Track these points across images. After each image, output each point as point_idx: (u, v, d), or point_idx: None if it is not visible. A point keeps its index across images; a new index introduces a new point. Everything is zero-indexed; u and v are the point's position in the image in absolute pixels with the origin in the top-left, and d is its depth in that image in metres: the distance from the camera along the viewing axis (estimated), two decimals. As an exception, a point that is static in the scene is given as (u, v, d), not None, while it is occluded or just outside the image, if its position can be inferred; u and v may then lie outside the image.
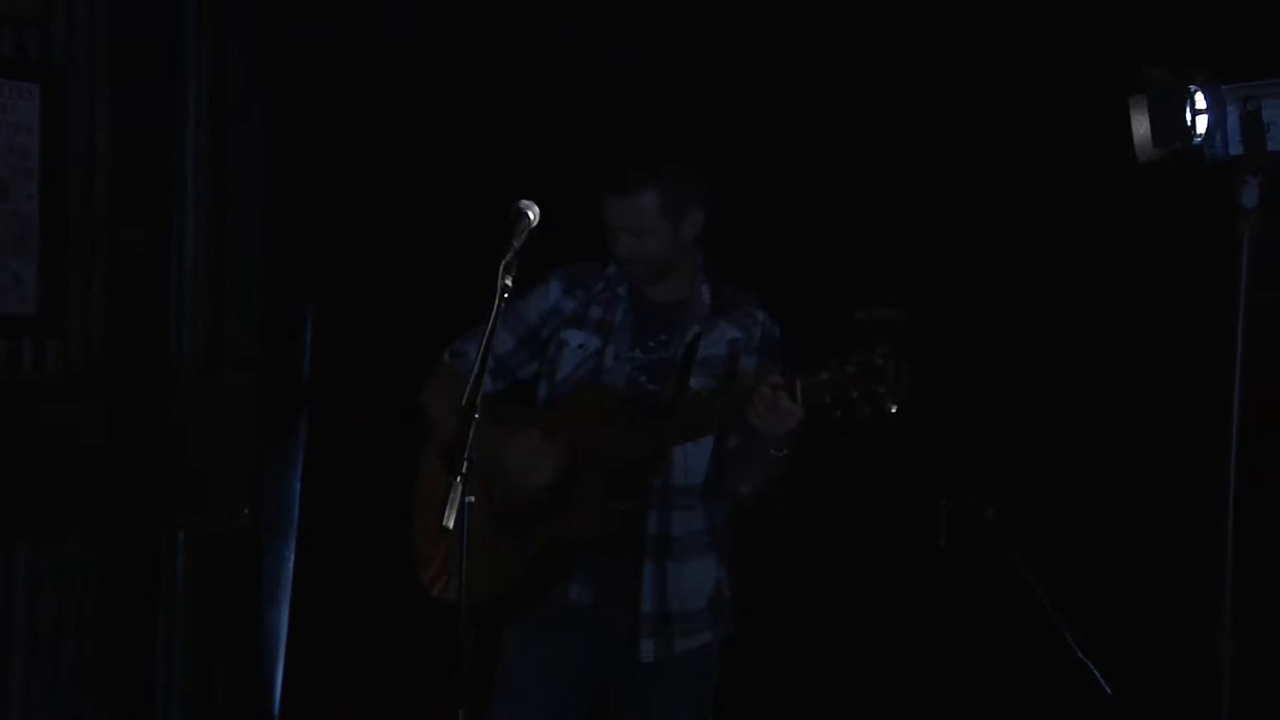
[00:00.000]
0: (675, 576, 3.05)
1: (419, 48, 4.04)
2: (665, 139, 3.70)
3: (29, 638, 3.89)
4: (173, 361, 4.12)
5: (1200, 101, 2.38)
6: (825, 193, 3.71)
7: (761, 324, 3.17)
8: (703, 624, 3.11)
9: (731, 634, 3.17)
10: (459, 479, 2.47)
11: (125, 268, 4.05)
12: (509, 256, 2.71)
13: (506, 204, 2.89)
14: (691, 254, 3.14)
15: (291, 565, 4.17)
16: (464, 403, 2.54)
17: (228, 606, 4.18)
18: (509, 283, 2.68)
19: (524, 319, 3.21)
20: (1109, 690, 3.04)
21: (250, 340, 4.23)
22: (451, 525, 2.44)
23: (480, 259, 3.18)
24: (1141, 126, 2.44)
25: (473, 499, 2.54)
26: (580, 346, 3.14)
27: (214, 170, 4.16)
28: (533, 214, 2.79)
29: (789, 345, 3.16)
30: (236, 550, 4.17)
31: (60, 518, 3.92)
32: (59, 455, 3.88)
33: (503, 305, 2.66)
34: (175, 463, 4.03)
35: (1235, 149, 2.38)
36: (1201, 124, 2.39)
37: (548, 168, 3.73)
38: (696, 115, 3.76)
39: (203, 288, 4.16)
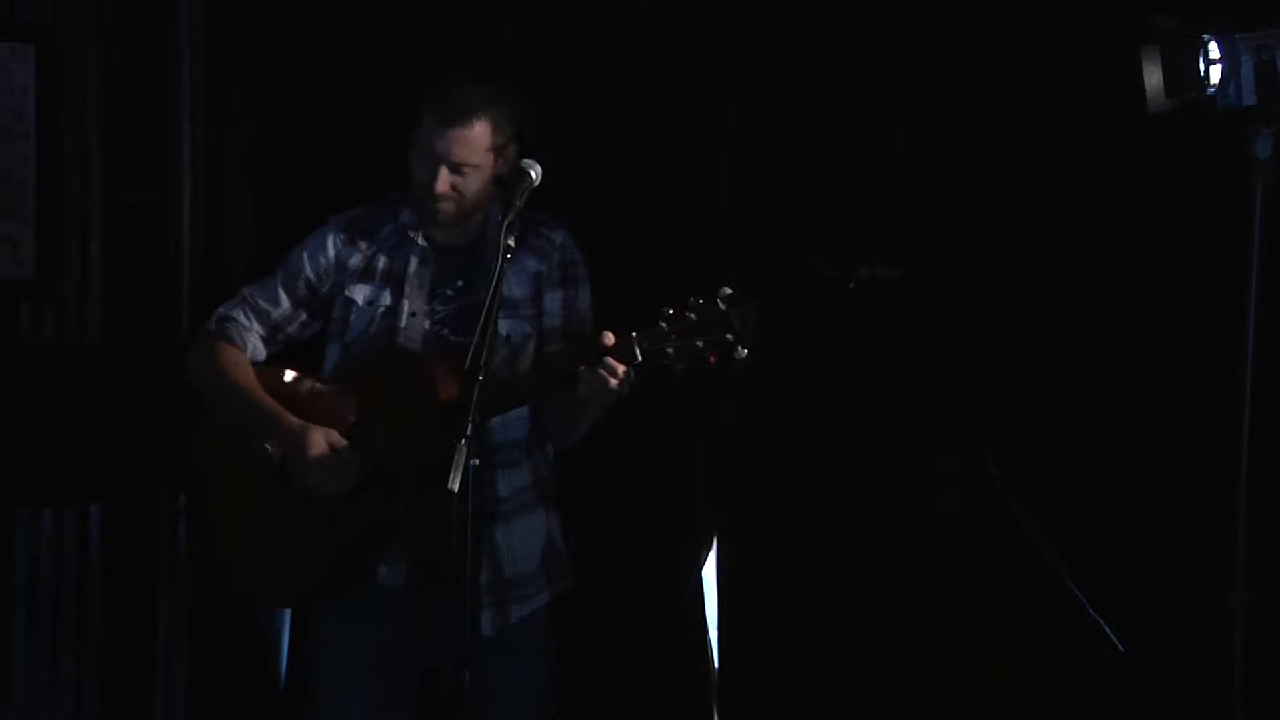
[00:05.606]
0: (505, 539, 2.87)
1: None
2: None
3: (30, 605, 3.88)
4: (171, 325, 4.09)
5: (1214, 51, 2.36)
6: (831, 148, 3.68)
7: (560, 248, 2.93)
8: (537, 586, 2.93)
9: (573, 588, 2.99)
10: (463, 441, 2.36)
11: (122, 230, 4.01)
12: (511, 217, 2.66)
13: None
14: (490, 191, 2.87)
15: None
16: (467, 367, 2.45)
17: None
18: (511, 243, 2.63)
19: (300, 277, 2.96)
20: (1121, 647, 3.03)
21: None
22: (456, 488, 2.36)
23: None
24: (1154, 77, 2.42)
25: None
26: (370, 303, 2.91)
27: (210, 129, 4.11)
28: (535, 173, 2.75)
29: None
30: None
31: (59, 484, 3.90)
32: (57, 421, 3.86)
33: (504, 267, 2.61)
34: (174, 428, 4.01)
35: (1249, 99, 2.36)
36: (1215, 74, 2.37)
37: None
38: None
39: (200, 250, 4.12)
